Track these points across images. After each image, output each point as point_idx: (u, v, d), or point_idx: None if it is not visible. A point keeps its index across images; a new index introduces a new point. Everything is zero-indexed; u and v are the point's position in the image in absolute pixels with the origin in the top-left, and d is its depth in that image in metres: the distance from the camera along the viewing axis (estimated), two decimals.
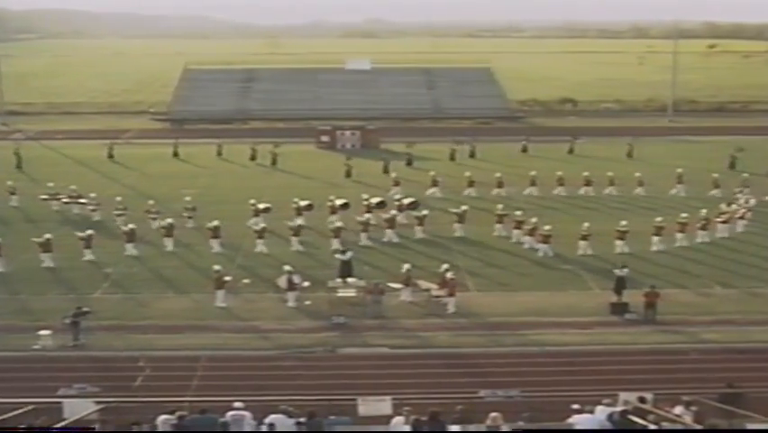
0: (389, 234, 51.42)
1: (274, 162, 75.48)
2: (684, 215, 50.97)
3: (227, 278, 40.41)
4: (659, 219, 50.12)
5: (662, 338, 36.43)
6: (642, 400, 23.63)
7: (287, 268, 40.58)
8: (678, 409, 22.55)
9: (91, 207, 56.01)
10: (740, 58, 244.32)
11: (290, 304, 39.55)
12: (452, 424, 21.72)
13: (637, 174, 64.58)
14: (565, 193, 63.14)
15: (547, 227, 48.60)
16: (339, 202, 55.80)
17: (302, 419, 22.12)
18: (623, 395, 24.50)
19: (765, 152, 77.97)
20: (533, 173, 64.61)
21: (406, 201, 57.00)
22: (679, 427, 20.68)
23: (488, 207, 56.94)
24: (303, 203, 55.13)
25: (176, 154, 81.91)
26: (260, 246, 48.99)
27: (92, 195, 57.80)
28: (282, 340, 35.82)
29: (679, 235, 49.54)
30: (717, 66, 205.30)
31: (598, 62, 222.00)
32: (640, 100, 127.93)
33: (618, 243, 48.54)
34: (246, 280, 42.07)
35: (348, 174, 69.16)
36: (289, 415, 22.23)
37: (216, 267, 40.86)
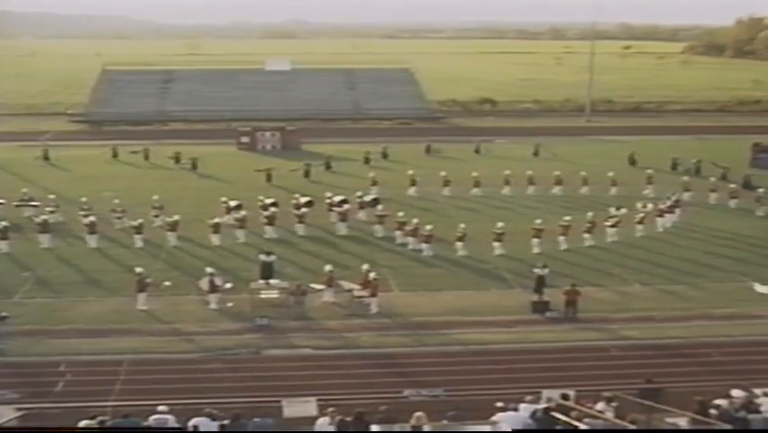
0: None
1: (194, 166, 74.46)
2: (591, 214, 51.61)
3: (148, 280, 40.08)
4: (567, 218, 50.77)
5: (583, 336, 36.96)
6: (564, 396, 23.99)
7: (208, 270, 40.41)
8: (599, 406, 22.96)
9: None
10: (655, 59, 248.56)
11: (212, 306, 39.32)
12: (377, 424, 21.89)
13: (557, 173, 65.32)
14: (480, 193, 63.63)
15: (429, 227, 48.95)
16: (303, 200, 56.27)
17: (226, 422, 22.15)
18: (546, 392, 24.90)
19: (662, 151, 79.25)
20: (443, 174, 65.03)
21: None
22: (600, 423, 21.02)
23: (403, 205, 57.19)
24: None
25: (115, 156, 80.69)
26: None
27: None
28: (205, 342, 35.60)
29: (586, 235, 50.21)
30: (633, 67, 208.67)
31: (517, 63, 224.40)
32: (558, 100, 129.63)
33: (534, 241, 49.12)
34: (167, 283, 41.74)
35: (268, 178, 68.16)
36: (213, 418, 22.22)
37: (138, 269, 40.52)
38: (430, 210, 58.20)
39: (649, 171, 65.31)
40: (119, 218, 53.45)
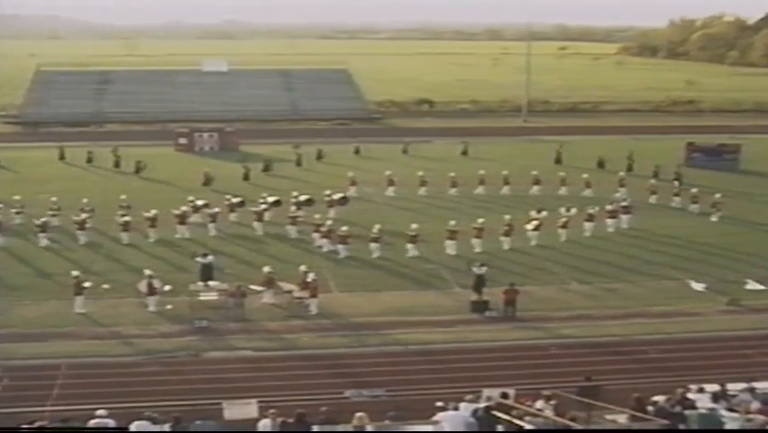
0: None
1: (138, 170, 72.87)
2: (508, 216, 51.79)
3: (86, 283, 39.66)
4: (481, 221, 50.71)
5: (523, 334, 37.29)
6: (504, 395, 24.16)
7: (147, 272, 40.09)
8: (539, 404, 23.13)
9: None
10: (590, 60, 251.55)
11: (151, 309, 39.04)
12: (318, 425, 21.89)
13: (505, 172, 65.75)
14: (425, 193, 63.87)
15: (344, 228, 49.12)
16: (303, 198, 57.60)
17: (167, 425, 21.99)
18: (486, 391, 25.00)
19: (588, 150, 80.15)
20: (388, 173, 65.32)
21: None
22: (540, 421, 21.18)
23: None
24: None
25: (62, 157, 79.66)
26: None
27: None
28: (145, 345, 35.33)
29: (503, 239, 50.05)
30: (569, 68, 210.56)
31: (454, 64, 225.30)
32: (495, 101, 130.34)
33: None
34: (105, 286, 41.38)
35: (207, 182, 67.05)
36: (154, 421, 22.00)
37: (75, 272, 40.09)
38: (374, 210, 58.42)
39: (585, 176, 65.74)
40: (54, 216, 53.54)
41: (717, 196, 58.39)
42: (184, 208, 53.85)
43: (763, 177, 73.52)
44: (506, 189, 64.64)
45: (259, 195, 58.56)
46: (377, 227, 49.36)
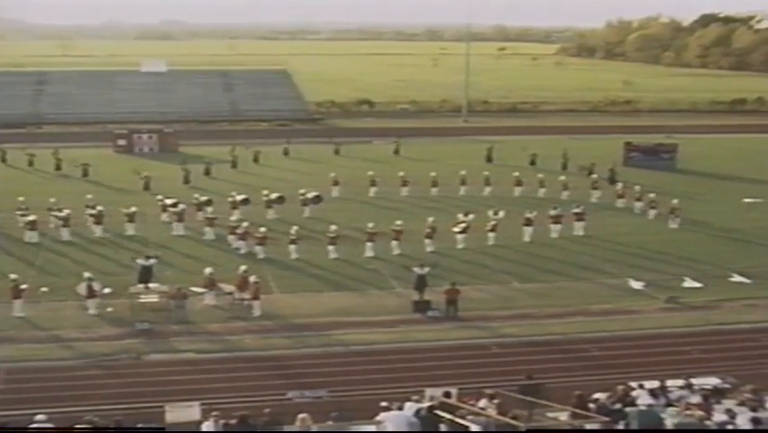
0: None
1: (85, 174, 71.55)
2: (432, 219, 51.46)
3: (23, 286, 39.19)
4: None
5: (465, 334, 37.42)
6: (447, 394, 24.28)
7: (86, 275, 39.65)
8: (482, 403, 23.22)
9: None
10: (529, 60, 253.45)
11: (91, 311, 38.64)
12: (262, 427, 21.86)
13: (433, 174, 65.78)
14: (373, 194, 63.95)
15: (262, 229, 49.09)
16: (274, 195, 57.87)
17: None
18: (429, 391, 25.11)
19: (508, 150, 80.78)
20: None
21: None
22: (482, 420, 21.30)
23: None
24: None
25: (3, 160, 78.60)
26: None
27: None
28: (85, 348, 34.93)
29: (427, 241, 49.84)
30: (508, 68, 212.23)
31: (394, 64, 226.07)
32: (435, 101, 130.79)
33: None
34: (44, 289, 40.98)
35: (146, 187, 65.50)
36: (94, 425, 21.87)
37: (12, 276, 39.53)
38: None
39: (516, 174, 66.03)
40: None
41: (652, 195, 59.31)
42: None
43: (699, 176, 74.71)
44: (434, 191, 64.67)
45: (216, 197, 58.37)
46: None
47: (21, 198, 54.79)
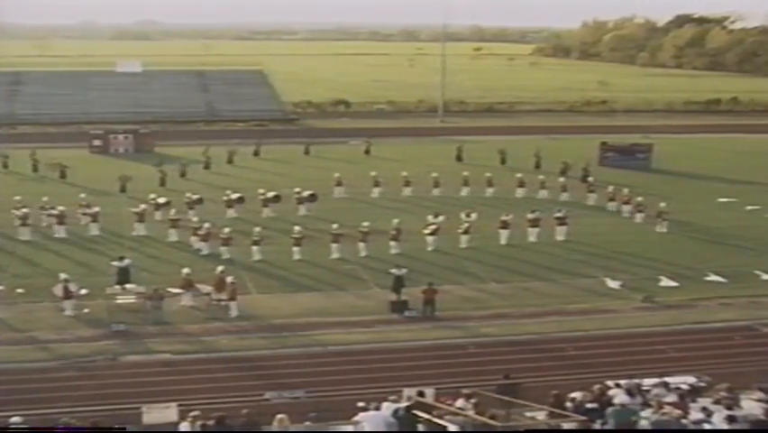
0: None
1: (63, 175, 70.90)
2: (397, 220, 51.44)
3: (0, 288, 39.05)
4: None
5: (442, 334, 37.51)
6: (421, 394, 24.33)
7: (62, 276, 39.42)
8: (459, 402, 23.27)
9: None
10: (505, 60, 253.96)
11: (68, 313, 38.46)
12: (239, 428, 21.84)
13: (404, 174, 65.78)
14: (347, 195, 63.73)
15: (227, 230, 48.94)
16: (271, 194, 58.26)
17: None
18: (407, 391, 25.14)
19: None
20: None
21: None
22: (460, 420, 21.35)
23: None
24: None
25: None
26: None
27: None
28: (61, 350, 34.76)
29: (392, 243, 49.68)
30: (484, 68, 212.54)
31: (370, 64, 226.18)
32: (411, 101, 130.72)
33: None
34: (20, 290, 40.80)
35: (123, 189, 65.04)
36: (71, 427, 21.80)
37: None
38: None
39: (488, 175, 66.02)
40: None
41: (626, 191, 60.10)
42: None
43: (674, 176, 75.04)
44: (407, 191, 64.57)
45: (180, 198, 57.68)
46: (297, 228, 49.43)
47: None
